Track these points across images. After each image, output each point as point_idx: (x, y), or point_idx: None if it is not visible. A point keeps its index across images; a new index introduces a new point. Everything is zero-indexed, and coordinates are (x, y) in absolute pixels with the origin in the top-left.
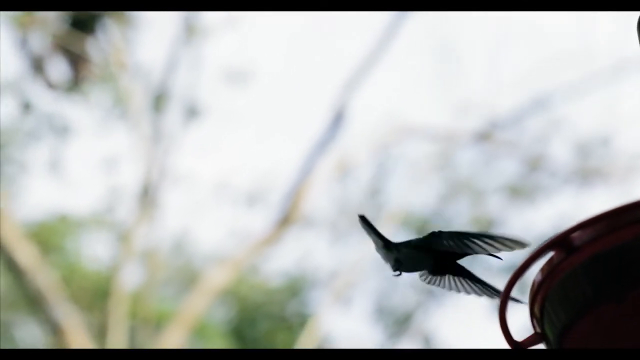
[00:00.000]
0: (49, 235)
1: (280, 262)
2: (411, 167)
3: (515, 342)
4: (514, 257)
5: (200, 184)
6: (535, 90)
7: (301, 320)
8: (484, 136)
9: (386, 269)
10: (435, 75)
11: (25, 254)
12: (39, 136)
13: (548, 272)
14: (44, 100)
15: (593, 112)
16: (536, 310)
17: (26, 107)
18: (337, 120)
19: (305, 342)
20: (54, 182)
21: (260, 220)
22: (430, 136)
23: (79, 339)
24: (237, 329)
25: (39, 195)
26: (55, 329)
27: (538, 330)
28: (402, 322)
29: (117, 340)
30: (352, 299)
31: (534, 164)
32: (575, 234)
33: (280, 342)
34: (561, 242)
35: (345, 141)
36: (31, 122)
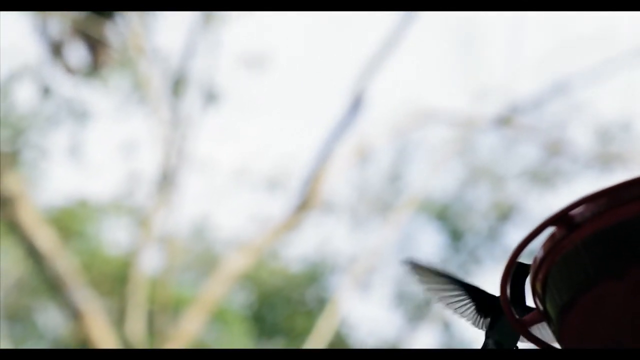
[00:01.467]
0: (69, 221)
1: (300, 248)
2: (431, 152)
3: (518, 319)
4: (516, 234)
5: (220, 169)
6: (555, 75)
7: (320, 306)
8: (503, 121)
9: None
10: (455, 60)
11: (45, 240)
12: (58, 121)
13: (550, 248)
14: (63, 85)
15: (614, 96)
16: (538, 287)
17: (45, 92)
18: (356, 105)
19: (324, 327)
20: (74, 168)
21: (279, 206)
22: (449, 121)
23: (98, 324)
24: (257, 314)
25: (59, 181)
26: (75, 314)
27: (540, 308)
28: (421, 307)
29: (136, 326)
30: (372, 284)
31: (555, 149)
32: (576, 211)
33: (299, 327)
34: (562, 218)
35: (365, 126)
36: (50, 107)
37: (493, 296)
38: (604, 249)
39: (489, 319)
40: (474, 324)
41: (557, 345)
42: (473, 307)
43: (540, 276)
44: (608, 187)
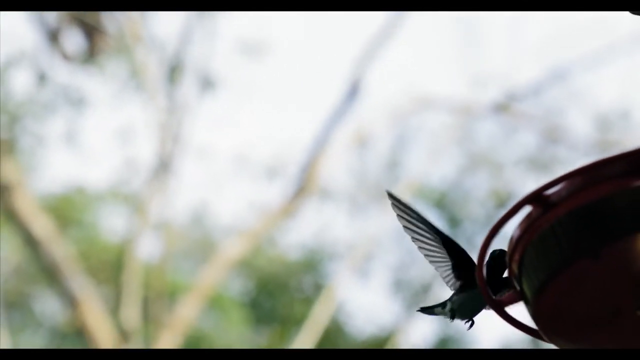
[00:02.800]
0: (66, 208)
1: (298, 235)
2: (429, 139)
3: (494, 300)
4: (493, 213)
5: (217, 156)
6: (554, 62)
7: (318, 293)
8: (502, 108)
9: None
10: (453, 46)
11: (42, 227)
12: (55, 108)
13: (526, 227)
14: (60, 72)
15: (612, 83)
16: (514, 267)
17: (42, 79)
18: (354, 91)
19: (320, 314)
20: (71, 155)
21: (277, 193)
22: (448, 108)
23: (95, 312)
24: (254, 301)
25: (56, 168)
26: (71, 301)
27: (517, 288)
28: (419, 294)
29: (132, 313)
30: (370, 271)
31: (553, 136)
32: (552, 190)
33: (296, 315)
34: (538, 197)
35: (363, 113)
36: (47, 94)
37: (473, 263)
38: (581, 228)
39: (459, 284)
40: (444, 279)
41: (532, 325)
42: (449, 265)
43: (516, 256)
44: (583, 166)
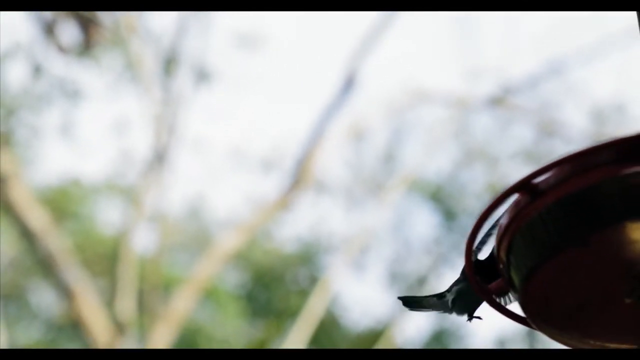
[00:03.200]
0: (62, 201)
1: (294, 228)
2: (425, 132)
3: (482, 287)
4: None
5: (213, 148)
6: (549, 55)
7: (314, 285)
8: (498, 101)
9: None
10: (449, 40)
11: (38, 219)
12: (50, 100)
13: (514, 215)
14: (56, 64)
15: (608, 77)
16: (502, 255)
17: (38, 71)
18: (349, 84)
19: (316, 306)
20: (66, 147)
21: (273, 185)
22: (444, 101)
23: (90, 304)
24: (250, 294)
25: (52, 160)
26: (67, 293)
27: (505, 276)
28: (415, 287)
29: (127, 305)
30: (366, 264)
31: (549, 129)
32: (540, 178)
33: (292, 307)
34: (526, 185)
35: (359, 106)
36: (43, 86)
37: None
38: (569, 216)
39: (460, 275)
40: None
41: (521, 313)
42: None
43: (504, 244)
44: (571, 154)
